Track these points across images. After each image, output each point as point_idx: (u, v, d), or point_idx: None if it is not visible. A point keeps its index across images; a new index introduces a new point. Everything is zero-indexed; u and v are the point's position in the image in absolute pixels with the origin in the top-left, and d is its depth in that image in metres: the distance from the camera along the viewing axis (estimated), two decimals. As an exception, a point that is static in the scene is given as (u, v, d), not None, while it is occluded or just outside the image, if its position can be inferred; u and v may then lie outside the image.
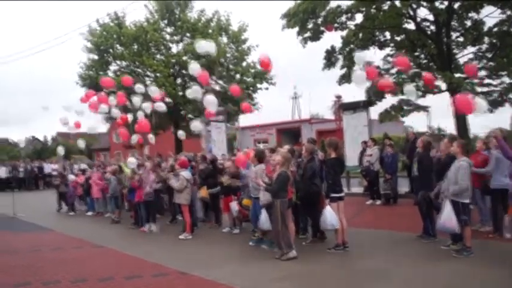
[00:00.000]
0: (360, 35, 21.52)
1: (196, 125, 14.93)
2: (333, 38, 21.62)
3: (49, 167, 34.55)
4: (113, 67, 30.98)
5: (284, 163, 8.85)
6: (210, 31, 30.17)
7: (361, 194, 18.08)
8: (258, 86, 31.25)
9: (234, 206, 11.66)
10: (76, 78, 30.74)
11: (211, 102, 12.57)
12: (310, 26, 21.04)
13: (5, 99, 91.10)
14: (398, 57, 12.81)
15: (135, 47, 29.73)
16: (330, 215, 9.05)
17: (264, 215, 9.47)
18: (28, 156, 46.07)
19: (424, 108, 21.22)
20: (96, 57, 30.48)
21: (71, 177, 19.35)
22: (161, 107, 16.73)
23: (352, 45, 21.71)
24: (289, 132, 43.38)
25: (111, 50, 29.78)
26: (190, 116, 30.54)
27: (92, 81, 29.36)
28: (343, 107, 20.08)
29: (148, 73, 30.38)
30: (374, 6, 20.05)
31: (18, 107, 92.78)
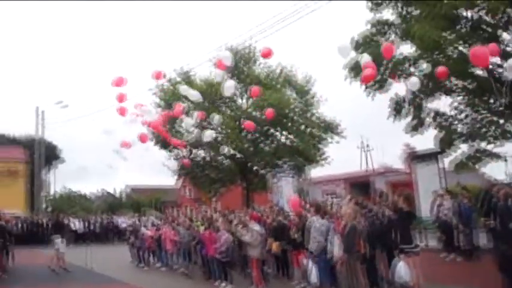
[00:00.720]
0: (426, 82, 21.12)
1: (208, 134, 15.20)
2: (400, 87, 21.27)
3: (121, 221, 35.36)
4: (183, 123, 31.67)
5: (353, 216, 8.67)
6: (275, 84, 30.52)
7: (437, 248, 17.35)
8: (327, 138, 31.01)
9: (305, 260, 11.47)
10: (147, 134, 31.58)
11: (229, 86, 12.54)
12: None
13: (80, 154, 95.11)
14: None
15: (204, 102, 30.37)
16: (402, 268, 8.72)
17: (314, 269, 9.25)
18: (101, 209, 47.53)
19: (502, 157, 20.34)
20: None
21: (143, 230, 19.68)
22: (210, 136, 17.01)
23: (419, 94, 21.31)
24: (360, 185, 42.54)
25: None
26: (258, 168, 30.72)
27: (162, 137, 30.22)
28: (414, 157, 19.62)
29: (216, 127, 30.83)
30: (442, 55, 19.74)
31: (91, 161, 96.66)
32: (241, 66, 30.93)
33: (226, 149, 27.11)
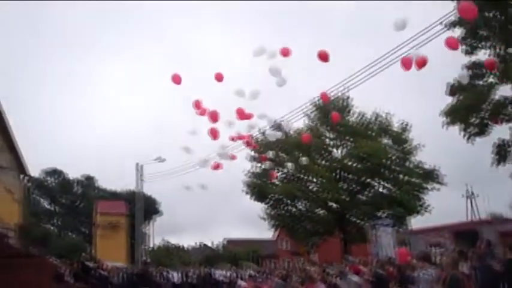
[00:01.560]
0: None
1: None
2: (502, 131, 20.34)
3: (219, 273, 35.65)
4: (278, 174, 31.86)
5: (452, 265, 8.22)
6: (371, 133, 30.17)
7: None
8: (427, 186, 29.91)
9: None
10: (242, 186, 32.13)
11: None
12: (473, 120, 20.11)
13: (177, 207, 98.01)
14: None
15: (298, 153, 30.50)
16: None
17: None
18: (199, 262, 48.37)
19: None
20: (263, 165, 31.79)
21: (240, 282, 19.76)
22: None
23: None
24: (466, 234, 40.34)
25: (275, 158, 30.84)
26: (355, 219, 30.14)
27: (258, 189, 30.64)
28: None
29: (312, 178, 30.77)
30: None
31: (189, 214, 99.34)
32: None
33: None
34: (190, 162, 23.30)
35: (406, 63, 10.78)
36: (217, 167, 16.66)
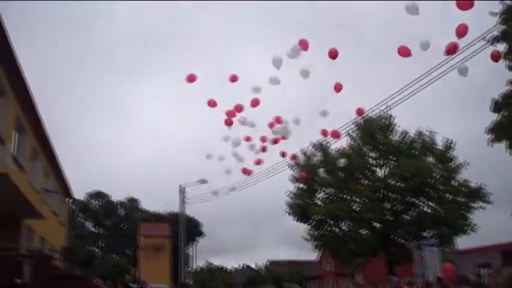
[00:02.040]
0: None
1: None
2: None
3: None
4: (320, 195, 31.82)
5: (504, 285, 8.00)
6: (414, 152, 29.80)
7: None
8: (473, 205, 29.20)
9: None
10: (285, 207, 32.15)
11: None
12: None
13: (221, 229, 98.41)
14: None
15: (341, 173, 30.36)
16: None
17: None
18: (242, 283, 48.35)
19: None
20: (303, 186, 31.79)
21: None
22: None
23: None
24: (516, 255, 39.09)
25: (317, 178, 30.81)
26: (400, 239, 29.67)
27: (301, 210, 30.56)
28: None
29: (355, 198, 30.53)
30: None
31: (232, 236, 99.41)
32: (378, 136, 30.61)
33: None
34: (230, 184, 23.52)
35: (404, 52, 10.84)
36: (258, 163, 16.97)
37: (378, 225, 30.02)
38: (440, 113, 74.91)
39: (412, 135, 30.84)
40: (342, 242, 31.47)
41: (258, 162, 16.85)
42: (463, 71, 10.85)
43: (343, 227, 31.68)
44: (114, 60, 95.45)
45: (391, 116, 30.35)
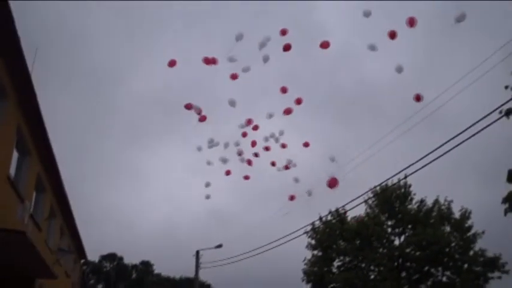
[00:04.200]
0: None
1: None
2: None
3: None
4: (337, 263, 31.39)
5: None
6: (431, 221, 29.51)
7: None
8: (492, 275, 28.46)
9: None
10: (301, 275, 31.68)
11: None
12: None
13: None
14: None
15: (358, 241, 30.08)
16: None
17: None
18: None
19: None
20: (320, 253, 31.39)
21: None
22: None
23: None
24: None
25: (334, 246, 30.50)
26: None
27: (317, 278, 30.04)
28: None
29: (371, 267, 30.08)
30: None
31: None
32: (396, 205, 30.46)
33: None
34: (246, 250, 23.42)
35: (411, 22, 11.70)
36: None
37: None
38: (457, 181, 74.20)
39: (429, 204, 30.66)
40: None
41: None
42: (460, 18, 10.92)
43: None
44: (133, 126, 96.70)
45: (408, 185, 30.38)
